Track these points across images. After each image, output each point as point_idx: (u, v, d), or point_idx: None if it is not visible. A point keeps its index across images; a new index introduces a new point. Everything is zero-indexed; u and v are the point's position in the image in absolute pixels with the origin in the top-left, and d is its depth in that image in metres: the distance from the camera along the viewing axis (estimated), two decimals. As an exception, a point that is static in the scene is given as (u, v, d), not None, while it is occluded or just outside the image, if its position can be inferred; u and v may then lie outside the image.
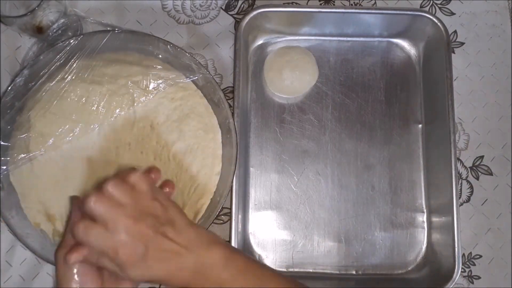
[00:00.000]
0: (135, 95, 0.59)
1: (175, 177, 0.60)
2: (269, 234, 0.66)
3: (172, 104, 0.61)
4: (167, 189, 0.51)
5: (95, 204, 0.42)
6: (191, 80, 0.61)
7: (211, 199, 0.60)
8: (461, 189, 0.68)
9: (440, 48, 0.67)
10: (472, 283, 0.66)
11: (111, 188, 0.43)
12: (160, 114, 0.60)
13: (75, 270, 0.45)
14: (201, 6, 0.69)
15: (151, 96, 0.60)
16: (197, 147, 0.61)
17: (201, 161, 0.61)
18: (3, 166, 0.56)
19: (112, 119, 0.59)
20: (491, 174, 0.69)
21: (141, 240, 0.42)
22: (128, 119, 0.59)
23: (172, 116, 0.61)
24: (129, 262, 0.42)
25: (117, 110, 0.59)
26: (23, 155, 0.56)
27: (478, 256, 0.67)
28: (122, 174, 0.45)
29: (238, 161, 0.59)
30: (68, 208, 0.56)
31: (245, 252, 0.64)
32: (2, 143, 0.56)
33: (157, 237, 0.43)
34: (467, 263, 0.66)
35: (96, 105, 0.58)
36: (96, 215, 0.42)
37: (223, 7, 0.70)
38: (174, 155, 0.60)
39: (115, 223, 0.42)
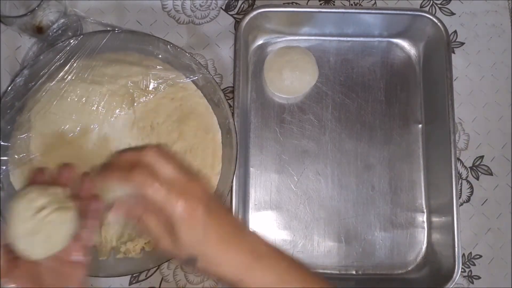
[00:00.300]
0: (135, 95, 0.59)
1: None
2: (269, 234, 0.66)
3: (172, 104, 0.61)
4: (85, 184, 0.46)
5: (152, 154, 0.40)
6: (191, 80, 0.61)
7: (211, 199, 0.60)
8: (461, 189, 0.68)
9: (440, 48, 0.67)
10: (472, 283, 0.66)
11: (163, 149, 0.41)
12: (160, 114, 0.60)
13: None
14: (201, 6, 0.69)
15: (151, 96, 0.60)
16: (197, 147, 0.61)
17: (201, 161, 0.61)
18: (3, 166, 0.56)
19: (112, 119, 0.59)
20: (491, 174, 0.69)
21: (203, 198, 0.39)
22: (128, 119, 0.59)
23: (172, 116, 0.61)
24: (188, 220, 0.39)
25: (117, 110, 0.59)
26: (23, 155, 0.56)
27: (478, 256, 0.67)
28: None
29: (238, 161, 0.59)
30: None
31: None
32: (2, 143, 0.56)
33: (216, 203, 0.41)
34: (467, 263, 0.66)
35: (96, 105, 0.58)
36: (153, 164, 0.39)
37: (223, 7, 0.70)
38: (171, 141, 0.60)
39: (175, 174, 0.39)
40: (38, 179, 0.44)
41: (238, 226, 0.42)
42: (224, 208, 0.42)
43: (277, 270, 0.42)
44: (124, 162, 0.41)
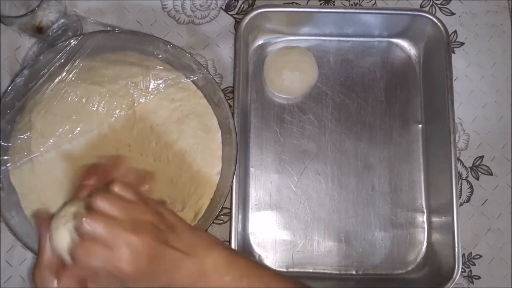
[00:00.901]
0: (135, 95, 0.59)
1: (175, 177, 0.60)
2: (269, 234, 0.66)
3: (172, 105, 0.61)
4: (146, 186, 0.47)
5: (90, 224, 0.40)
6: (191, 80, 0.61)
7: (211, 199, 0.60)
8: (461, 189, 0.68)
9: (440, 48, 0.67)
10: (472, 283, 0.66)
11: (101, 203, 0.40)
12: (160, 115, 0.60)
13: None
14: (201, 6, 0.69)
15: (151, 97, 0.60)
16: (197, 147, 0.61)
17: (201, 161, 0.61)
18: (3, 166, 0.56)
19: (112, 119, 0.59)
20: (491, 174, 0.69)
21: (144, 252, 0.40)
22: (128, 120, 0.59)
23: (172, 117, 0.61)
24: (133, 276, 0.40)
25: (117, 111, 0.59)
26: (23, 155, 0.56)
27: (478, 256, 0.67)
28: (102, 188, 0.43)
29: (238, 161, 0.59)
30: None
31: (245, 252, 0.64)
32: (2, 143, 0.56)
33: (160, 246, 0.41)
34: (467, 263, 0.66)
35: (96, 106, 0.58)
36: (93, 234, 0.40)
37: (223, 7, 0.70)
38: (174, 156, 0.60)
39: (116, 239, 0.40)
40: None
41: (189, 249, 0.42)
42: (173, 242, 0.42)
43: (220, 283, 0.43)
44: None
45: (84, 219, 0.40)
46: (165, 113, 0.60)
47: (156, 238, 0.41)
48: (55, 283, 0.42)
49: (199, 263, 0.43)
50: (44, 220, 0.45)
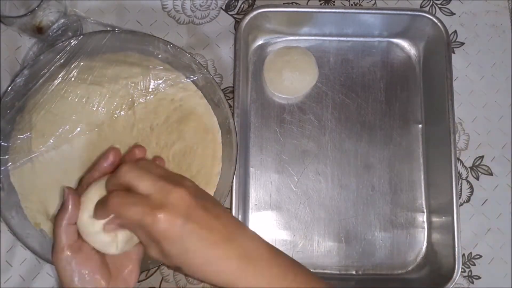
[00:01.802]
0: (135, 95, 0.59)
1: (169, 161, 0.60)
2: (269, 234, 0.66)
3: (171, 105, 0.61)
4: (136, 152, 0.49)
5: (127, 171, 0.40)
6: (191, 80, 0.61)
7: (211, 199, 0.60)
8: (461, 189, 0.68)
9: (440, 48, 0.67)
10: (472, 283, 0.66)
11: (139, 163, 0.41)
12: (160, 115, 0.60)
13: (82, 271, 0.43)
14: (201, 6, 0.69)
15: (151, 97, 0.60)
16: (196, 147, 0.61)
17: (201, 161, 0.61)
18: (3, 166, 0.56)
19: (112, 119, 0.59)
20: (491, 174, 0.69)
21: (181, 208, 0.38)
22: (128, 120, 0.59)
23: (172, 117, 0.61)
24: (167, 235, 0.38)
25: (117, 111, 0.59)
26: (23, 155, 0.56)
27: (478, 256, 0.67)
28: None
29: (238, 161, 0.59)
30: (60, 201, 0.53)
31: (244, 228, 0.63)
32: (2, 143, 0.56)
33: (198, 208, 0.39)
34: (467, 263, 0.66)
35: (96, 106, 0.58)
36: (128, 182, 0.39)
37: (223, 7, 0.70)
38: (174, 156, 0.60)
39: (152, 187, 0.39)
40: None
41: (228, 228, 0.40)
42: (212, 213, 0.40)
43: (268, 275, 0.40)
44: (108, 191, 0.43)
45: (122, 167, 0.40)
46: (165, 113, 0.60)
47: (195, 197, 0.39)
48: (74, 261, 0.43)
49: (241, 247, 0.40)
50: (72, 194, 0.45)
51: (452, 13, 0.73)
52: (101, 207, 0.42)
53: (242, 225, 0.42)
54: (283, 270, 0.41)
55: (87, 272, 0.44)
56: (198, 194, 0.41)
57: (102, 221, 0.43)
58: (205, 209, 0.40)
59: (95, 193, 0.45)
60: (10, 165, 0.56)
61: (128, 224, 0.41)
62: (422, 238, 0.67)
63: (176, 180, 0.41)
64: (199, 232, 0.39)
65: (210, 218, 0.39)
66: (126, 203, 0.39)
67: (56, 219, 0.44)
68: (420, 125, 0.70)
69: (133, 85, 0.59)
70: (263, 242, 0.42)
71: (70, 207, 0.44)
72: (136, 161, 0.43)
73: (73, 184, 0.58)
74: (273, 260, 0.41)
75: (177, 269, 0.41)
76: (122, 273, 0.46)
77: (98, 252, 0.45)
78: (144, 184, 0.40)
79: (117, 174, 0.41)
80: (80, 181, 0.50)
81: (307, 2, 0.71)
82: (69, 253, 0.43)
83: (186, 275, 0.40)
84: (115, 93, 0.59)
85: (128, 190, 0.41)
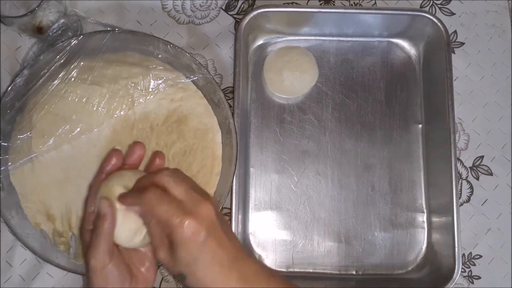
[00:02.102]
0: (135, 96, 0.59)
1: (169, 161, 0.60)
2: (269, 234, 0.66)
3: (171, 105, 0.61)
4: (157, 160, 0.51)
5: (167, 175, 0.43)
6: (191, 81, 0.61)
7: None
8: (461, 189, 0.68)
9: (440, 48, 0.67)
10: (472, 283, 0.66)
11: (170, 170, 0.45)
12: (160, 115, 0.60)
13: (115, 273, 0.45)
14: (201, 6, 0.69)
15: (151, 97, 0.60)
16: (196, 147, 0.61)
17: (201, 161, 0.61)
18: (3, 166, 0.56)
19: (112, 120, 0.59)
20: (491, 174, 0.69)
21: (206, 221, 0.42)
22: (127, 120, 0.59)
23: (171, 117, 0.61)
24: (189, 240, 0.41)
25: (117, 111, 0.59)
26: (23, 155, 0.56)
27: (478, 256, 0.67)
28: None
29: (238, 161, 0.59)
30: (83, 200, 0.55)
31: (245, 252, 0.64)
32: (2, 143, 0.56)
33: (218, 226, 0.43)
34: (467, 263, 0.66)
35: (96, 106, 0.58)
36: (164, 183, 0.43)
37: (223, 7, 0.70)
38: (174, 156, 0.60)
39: (185, 195, 0.43)
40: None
41: (234, 254, 0.44)
42: (227, 234, 0.44)
43: None
44: (141, 185, 0.46)
45: (164, 170, 0.44)
46: (165, 113, 0.60)
47: (217, 216, 0.43)
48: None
49: (241, 270, 0.43)
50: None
51: (452, 13, 0.73)
52: (135, 196, 0.45)
53: (243, 249, 0.46)
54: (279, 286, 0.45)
55: (117, 273, 0.46)
56: (218, 212, 0.44)
57: (123, 211, 0.45)
58: (223, 229, 0.43)
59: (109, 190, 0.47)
60: (10, 165, 0.57)
61: (152, 217, 0.43)
62: (422, 238, 0.67)
63: (204, 194, 0.45)
64: (215, 249, 0.42)
65: (225, 239, 0.43)
66: (162, 200, 0.42)
67: (96, 228, 0.45)
68: (420, 125, 0.70)
69: (133, 85, 0.59)
70: (261, 266, 0.46)
71: (111, 217, 0.45)
72: (175, 169, 0.46)
73: (73, 185, 0.58)
74: (269, 283, 0.45)
75: (178, 276, 0.43)
76: (141, 271, 0.48)
77: (120, 251, 0.47)
78: (179, 190, 0.43)
79: (158, 174, 0.45)
80: (90, 186, 0.52)
81: (307, 2, 0.71)
82: (107, 259, 0.45)
83: (182, 282, 0.43)
84: (115, 93, 0.59)
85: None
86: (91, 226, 0.47)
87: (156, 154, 0.52)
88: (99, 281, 0.45)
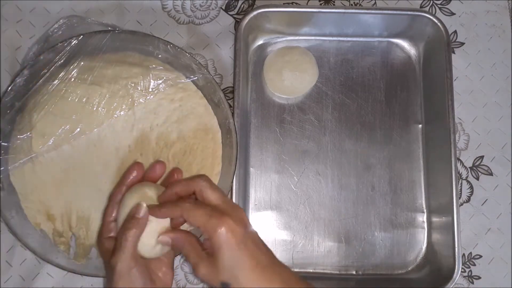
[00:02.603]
0: (135, 96, 0.59)
1: (169, 161, 0.60)
2: (269, 234, 0.66)
3: (171, 105, 0.61)
4: (175, 175, 0.53)
5: (203, 181, 0.46)
6: (191, 81, 0.61)
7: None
8: (461, 189, 0.68)
9: (440, 48, 0.67)
10: (472, 283, 0.66)
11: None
12: (160, 115, 0.60)
13: (138, 276, 0.47)
14: (201, 6, 0.69)
15: (151, 97, 0.60)
16: (196, 147, 0.61)
17: (201, 161, 0.61)
18: (3, 166, 0.56)
19: (112, 120, 0.59)
20: (491, 174, 0.69)
21: (243, 222, 0.44)
22: (127, 120, 0.59)
23: (171, 117, 0.61)
24: (229, 240, 0.43)
25: (117, 111, 0.59)
26: (23, 155, 0.56)
27: (478, 256, 0.67)
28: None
29: (238, 161, 0.59)
30: (102, 206, 0.57)
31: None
32: (2, 143, 0.56)
33: (252, 230, 0.45)
34: (467, 263, 0.66)
35: (96, 106, 0.58)
36: (201, 189, 0.46)
37: (223, 7, 0.70)
38: (174, 156, 0.60)
39: (220, 199, 0.45)
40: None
41: (271, 257, 0.46)
42: (260, 238, 0.46)
43: None
44: (172, 193, 0.48)
45: (201, 177, 0.47)
46: (164, 113, 0.60)
47: (246, 228, 0.45)
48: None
49: (281, 275, 0.45)
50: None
51: (452, 13, 0.73)
52: (170, 206, 0.47)
53: (277, 259, 0.47)
54: None
55: (140, 276, 0.47)
56: (250, 224, 0.47)
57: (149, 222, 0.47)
58: (257, 235, 0.46)
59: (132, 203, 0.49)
60: (10, 165, 0.57)
61: (184, 241, 0.46)
62: (422, 238, 0.67)
63: (235, 204, 0.49)
64: (255, 251, 0.44)
65: (262, 242, 0.46)
66: (199, 206, 0.45)
67: (127, 230, 0.47)
68: (420, 125, 0.70)
69: (133, 85, 0.59)
70: (294, 273, 0.47)
71: (143, 223, 0.47)
72: (206, 176, 0.48)
73: (73, 185, 0.58)
74: (304, 285, 0.46)
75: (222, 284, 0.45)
76: (159, 276, 0.50)
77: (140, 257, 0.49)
78: (215, 195, 0.46)
79: (195, 180, 0.47)
80: (110, 197, 0.54)
81: (307, 2, 0.71)
82: (133, 263, 0.46)
83: None
84: (115, 93, 0.59)
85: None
86: (111, 234, 0.50)
87: (175, 170, 0.54)
88: (124, 283, 0.46)
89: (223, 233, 0.43)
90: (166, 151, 0.60)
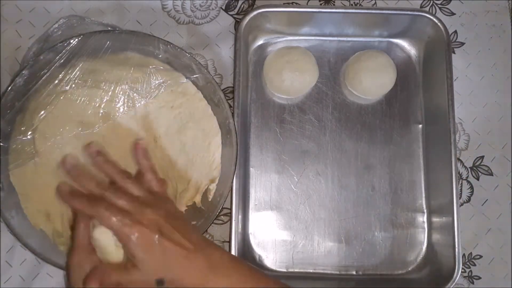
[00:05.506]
0: (135, 96, 0.59)
1: (174, 178, 0.59)
2: (269, 235, 0.65)
3: (171, 113, 0.60)
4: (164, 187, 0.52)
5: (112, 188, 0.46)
6: (191, 81, 0.61)
7: (211, 199, 0.60)
8: (461, 189, 0.68)
9: (440, 48, 0.67)
10: (473, 283, 0.66)
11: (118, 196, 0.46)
12: (161, 125, 0.60)
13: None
14: (201, 6, 0.69)
15: (152, 97, 0.60)
16: (195, 160, 0.60)
17: (201, 161, 0.60)
18: (3, 166, 0.56)
19: (112, 121, 0.59)
20: (491, 174, 0.69)
21: (156, 224, 0.44)
22: (128, 121, 0.59)
23: (172, 127, 0.60)
24: (147, 245, 0.43)
25: (118, 112, 0.59)
26: (23, 156, 0.56)
27: (478, 257, 0.67)
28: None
29: (238, 162, 0.59)
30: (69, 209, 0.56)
31: (246, 252, 0.64)
32: (2, 144, 0.56)
33: (170, 223, 0.45)
34: (468, 263, 0.66)
35: (96, 107, 0.58)
36: (113, 200, 0.45)
37: (223, 7, 0.70)
38: (174, 156, 0.60)
39: (128, 205, 0.45)
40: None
41: (196, 241, 0.46)
42: (182, 226, 0.46)
43: (232, 277, 0.46)
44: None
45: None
46: (165, 122, 0.60)
47: (166, 220, 0.45)
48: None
49: (208, 258, 0.45)
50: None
51: (452, 13, 0.73)
52: (87, 204, 0.46)
53: (208, 240, 0.48)
54: (244, 276, 0.47)
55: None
56: (169, 215, 0.46)
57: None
58: (177, 225, 0.45)
59: None
60: (11, 165, 0.56)
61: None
62: (422, 239, 0.67)
63: (150, 203, 0.47)
64: (174, 244, 0.44)
65: (183, 232, 0.45)
66: (111, 213, 0.44)
67: (75, 224, 0.47)
68: (420, 125, 0.69)
69: (133, 86, 0.59)
70: (227, 253, 0.49)
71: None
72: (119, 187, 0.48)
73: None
74: (234, 265, 0.47)
75: (157, 284, 0.45)
76: None
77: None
78: (122, 202, 0.45)
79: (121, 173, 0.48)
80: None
81: (307, 2, 0.71)
82: (83, 255, 0.46)
83: None
84: (115, 94, 0.59)
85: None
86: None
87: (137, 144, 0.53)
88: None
89: (137, 240, 0.43)
90: (171, 166, 0.60)
